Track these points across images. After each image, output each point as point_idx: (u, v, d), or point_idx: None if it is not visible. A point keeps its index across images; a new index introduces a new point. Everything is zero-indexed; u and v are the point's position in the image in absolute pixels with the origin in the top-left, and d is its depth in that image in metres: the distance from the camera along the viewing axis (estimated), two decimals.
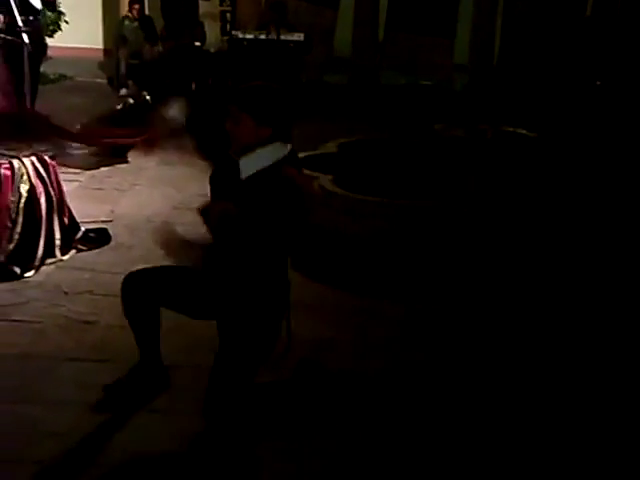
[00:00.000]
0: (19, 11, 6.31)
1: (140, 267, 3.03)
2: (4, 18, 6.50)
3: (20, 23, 6.34)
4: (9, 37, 6.37)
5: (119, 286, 2.90)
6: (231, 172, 2.68)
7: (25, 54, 6.49)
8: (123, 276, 2.92)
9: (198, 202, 2.76)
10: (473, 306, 4.01)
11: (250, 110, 2.62)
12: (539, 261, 4.41)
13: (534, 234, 4.50)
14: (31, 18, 6.81)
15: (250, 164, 2.66)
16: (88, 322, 3.64)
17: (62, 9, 10.16)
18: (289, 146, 2.71)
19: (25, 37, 6.37)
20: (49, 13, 9.64)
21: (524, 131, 5.77)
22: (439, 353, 3.53)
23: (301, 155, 5.20)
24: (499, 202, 4.59)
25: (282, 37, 9.43)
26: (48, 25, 9.59)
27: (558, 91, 8.13)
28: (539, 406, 3.10)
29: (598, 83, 8.34)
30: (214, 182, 2.80)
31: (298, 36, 9.49)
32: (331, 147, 5.69)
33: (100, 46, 11.11)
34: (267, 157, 2.65)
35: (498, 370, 3.39)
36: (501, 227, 4.42)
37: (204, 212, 2.61)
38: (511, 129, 5.87)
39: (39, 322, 3.64)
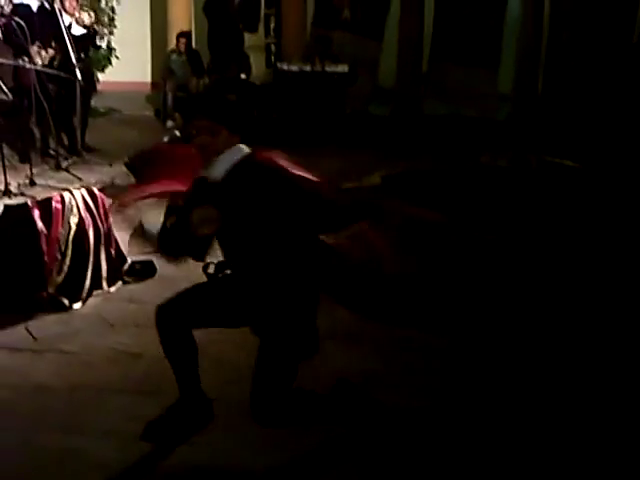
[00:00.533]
0: (72, 49, 6.53)
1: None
2: (59, 55, 6.73)
3: (74, 60, 6.55)
4: (63, 74, 6.58)
5: None
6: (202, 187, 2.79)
7: (78, 89, 6.69)
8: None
9: None
10: (514, 337, 3.95)
11: (226, 122, 2.78)
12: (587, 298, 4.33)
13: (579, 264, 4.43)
14: (82, 56, 7.03)
15: (217, 168, 2.79)
16: (134, 354, 3.70)
17: (113, 45, 10.47)
18: (247, 149, 2.84)
19: (78, 73, 6.57)
20: (101, 49, 9.94)
21: (569, 162, 5.71)
22: (481, 391, 3.46)
23: (345, 186, 5.30)
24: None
25: (327, 69, 9.53)
26: (100, 60, 9.88)
27: (604, 121, 8.02)
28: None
29: None
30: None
31: (342, 68, 9.59)
32: (375, 179, 5.72)
33: (148, 80, 11.37)
34: (230, 159, 2.80)
35: (544, 408, 3.33)
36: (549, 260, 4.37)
37: (171, 210, 2.76)
38: (557, 160, 5.82)
39: (86, 354, 3.71)
